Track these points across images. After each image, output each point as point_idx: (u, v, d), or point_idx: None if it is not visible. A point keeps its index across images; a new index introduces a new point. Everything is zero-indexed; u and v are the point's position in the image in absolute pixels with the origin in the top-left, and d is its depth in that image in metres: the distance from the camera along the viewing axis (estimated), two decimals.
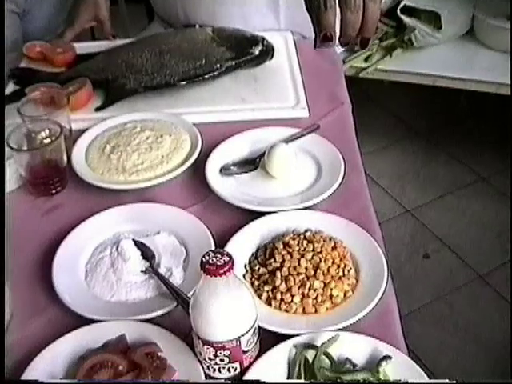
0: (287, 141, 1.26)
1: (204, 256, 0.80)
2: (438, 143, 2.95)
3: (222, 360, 0.85)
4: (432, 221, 2.59)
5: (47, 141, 1.22)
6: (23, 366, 0.90)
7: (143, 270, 1.04)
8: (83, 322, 0.96)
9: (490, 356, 2.08)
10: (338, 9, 0.94)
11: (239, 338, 0.84)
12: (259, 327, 0.89)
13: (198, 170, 1.24)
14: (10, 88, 1.51)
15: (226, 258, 0.80)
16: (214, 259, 0.79)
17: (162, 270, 1.04)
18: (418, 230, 2.57)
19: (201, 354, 0.87)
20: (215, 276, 0.79)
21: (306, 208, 1.13)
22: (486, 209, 2.63)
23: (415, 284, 2.32)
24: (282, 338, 0.91)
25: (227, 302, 0.82)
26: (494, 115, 2.95)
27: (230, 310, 0.82)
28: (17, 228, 1.15)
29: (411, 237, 2.54)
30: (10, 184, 1.24)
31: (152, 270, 1.03)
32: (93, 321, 0.96)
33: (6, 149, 1.18)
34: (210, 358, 0.86)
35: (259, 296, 0.99)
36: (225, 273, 0.79)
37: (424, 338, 2.08)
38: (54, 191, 1.23)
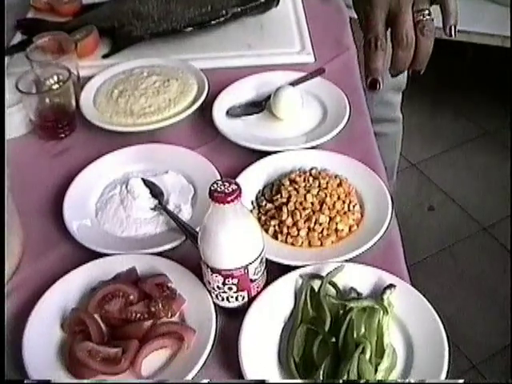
0: (293, 84, 1.27)
1: (212, 185, 0.81)
2: (443, 97, 2.94)
3: (230, 288, 0.87)
4: (437, 174, 2.61)
5: (56, 86, 1.24)
6: (36, 299, 0.91)
7: (152, 207, 1.05)
8: (94, 257, 0.97)
9: (492, 305, 2.11)
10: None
11: (247, 266, 0.85)
12: (266, 259, 0.91)
13: (205, 112, 1.25)
14: (17, 38, 1.51)
15: (234, 187, 0.81)
16: (223, 187, 0.81)
17: (170, 207, 1.05)
18: (423, 183, 2.59)
19: (209, 283, 0.88)
20: (223, 203, 0.80)
21: (311, 148, 1.15)
22: (491, 162, 2.64)
23: (420, 236, 2.35)
24: (288, 270, 0.93)
25: (235, 229, 0.83)
26: (499, 70, 2.94)
27: (237, 238, 0.84)
28: (27, 171, 1.16)
29: (416, 190, 2.56)
30: (20, 129, 1.25)
31: (161, 206, 1.05)
32: (104, 255, 0.98)
33: (16, 94, 1.20)
34: (218, 287, 0.87)
35: (266, 230, 1.00)
36: (233, 200, 0.80)
37: (429, 288, 2.09)
38: (63, 135, 1.24)
